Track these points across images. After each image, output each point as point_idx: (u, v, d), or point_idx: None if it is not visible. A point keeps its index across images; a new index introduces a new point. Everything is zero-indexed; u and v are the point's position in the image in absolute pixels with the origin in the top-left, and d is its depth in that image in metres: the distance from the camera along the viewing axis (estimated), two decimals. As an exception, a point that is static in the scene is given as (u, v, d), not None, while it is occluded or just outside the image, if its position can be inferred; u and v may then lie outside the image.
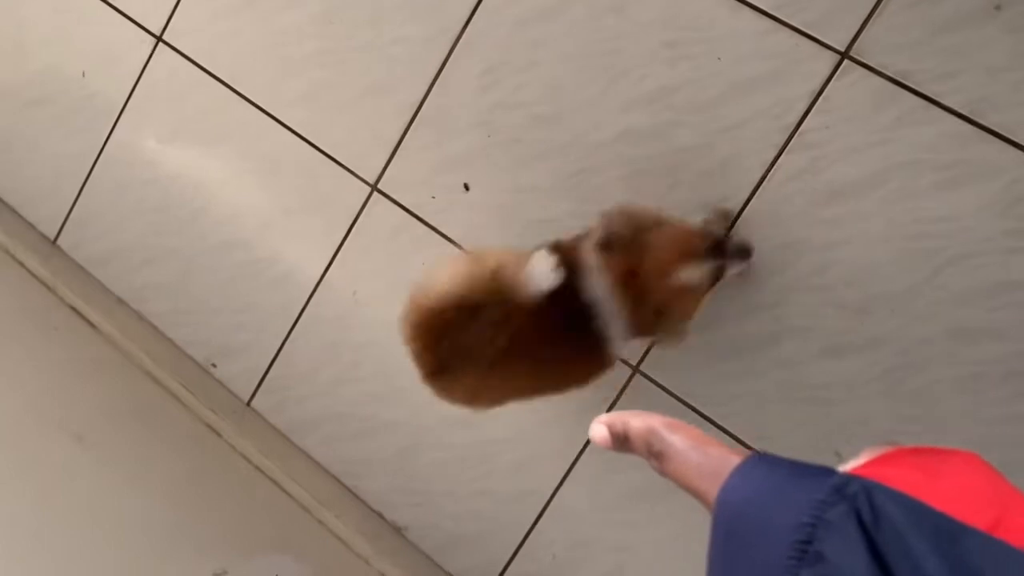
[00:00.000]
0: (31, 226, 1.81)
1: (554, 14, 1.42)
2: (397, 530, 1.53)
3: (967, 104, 1.21)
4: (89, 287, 1.71)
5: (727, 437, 1.32)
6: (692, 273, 1.09)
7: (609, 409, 1.40)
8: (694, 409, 1.33)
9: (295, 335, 1.60)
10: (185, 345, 1.67)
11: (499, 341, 1.08)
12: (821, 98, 1.28)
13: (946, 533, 0.32)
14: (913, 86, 1.23)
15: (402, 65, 1.52)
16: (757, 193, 1.31)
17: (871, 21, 1.26)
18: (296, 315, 1.59)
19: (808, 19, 1.29)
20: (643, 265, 1.10)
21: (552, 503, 1.43)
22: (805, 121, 1.28)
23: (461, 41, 1.48)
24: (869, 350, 1.25)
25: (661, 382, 1.35)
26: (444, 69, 1.49)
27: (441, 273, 1.10)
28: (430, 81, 1.49)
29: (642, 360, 1.37)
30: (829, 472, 0.37)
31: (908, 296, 1.23)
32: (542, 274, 1.09)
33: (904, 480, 0.36)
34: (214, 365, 1.65)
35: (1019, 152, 1.19)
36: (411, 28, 1.51)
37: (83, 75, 1.77)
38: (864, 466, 0.42)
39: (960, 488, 0.38)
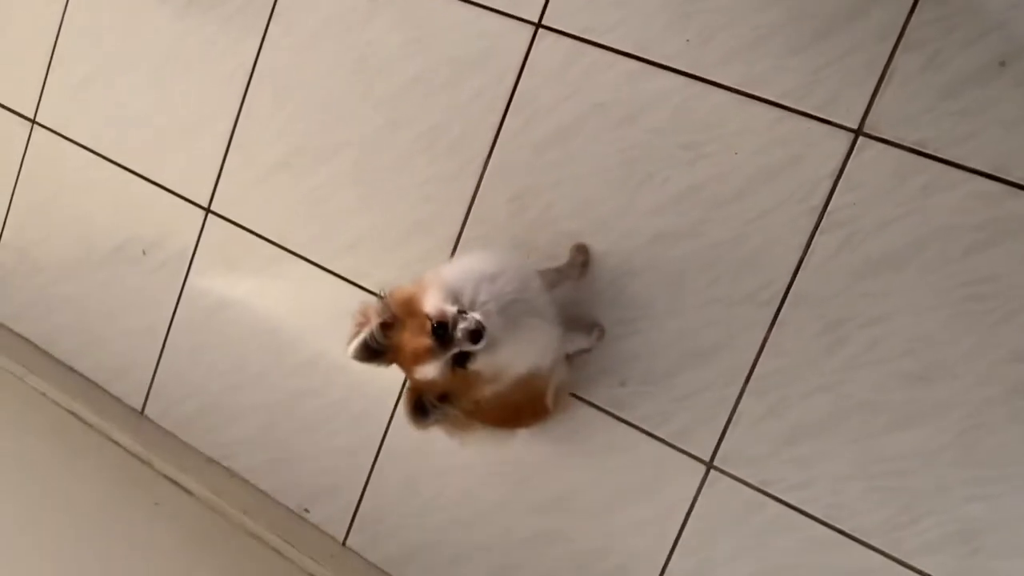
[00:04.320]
0: (118, 400, 1.93)
1: (570, 134, 1.48)
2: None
3: (989, 162, 1.22)
4: (181, 453, 1.81)
5: (806, 518, 1.33)
6: (426, 371, 1.08)
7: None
8: (775, 497, 1.35)
9: (378, 468, 1.66)
10: (277, 494, 1.75)
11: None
12: (843, 177, 1.30)
13: None
14: (933, 152, 1.25)
15: (435, 202, 1.59)
16: (797, 276, 1.33)
17: (878, 96, 1.28)
18: (376, 450, 1.65)
19: (816, 103, 1.32)
20: (400, 364, 1.13)
21: None
22: (832, 201, 1.31)
23: (487, 172, 1.55)
24: (936, 417, 1.25)
25: (737, 475, 1.37)
26: (475, 200, 1.56)
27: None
28: (464, 214, 1.57)
29: (715, 454, 1.39)
30: None
31: (967, 359, 1.23)
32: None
33: None
34: (307, 510, 1.72)
35: (1051, 202, 1.19)
36: (439, 166, 1.59)
37: (143, 253, 1.90)
38: None
39: None
